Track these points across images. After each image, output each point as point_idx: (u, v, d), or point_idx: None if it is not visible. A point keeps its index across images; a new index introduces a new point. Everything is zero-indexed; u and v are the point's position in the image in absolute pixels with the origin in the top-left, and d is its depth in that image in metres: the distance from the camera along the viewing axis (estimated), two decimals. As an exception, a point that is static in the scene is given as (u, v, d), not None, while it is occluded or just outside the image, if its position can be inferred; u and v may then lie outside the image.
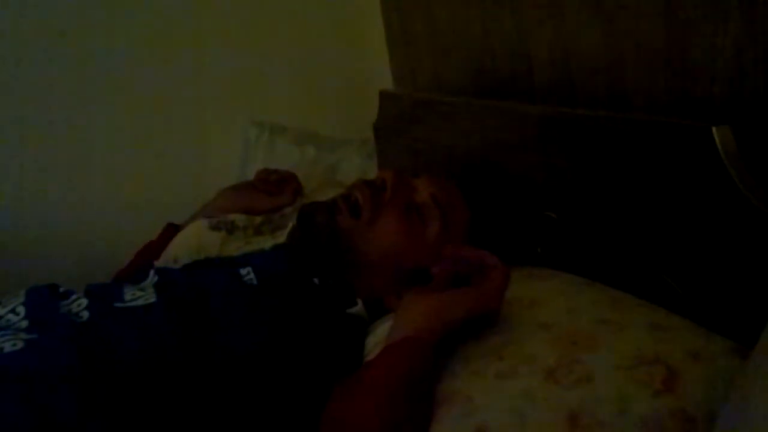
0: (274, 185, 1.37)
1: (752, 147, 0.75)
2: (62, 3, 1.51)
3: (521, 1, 1.11)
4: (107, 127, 1.59)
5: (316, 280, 0.94)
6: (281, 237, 1.22)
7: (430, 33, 1.41)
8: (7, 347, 0.75)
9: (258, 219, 1.31)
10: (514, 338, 0.78)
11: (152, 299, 0.87)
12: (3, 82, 1.49)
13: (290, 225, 1.12)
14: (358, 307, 0.94)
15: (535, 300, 0.86)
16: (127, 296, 0.87)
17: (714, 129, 0.74)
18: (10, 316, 0.83)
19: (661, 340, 0.73)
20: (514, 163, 1.05)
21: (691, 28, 0.83)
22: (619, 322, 0.78)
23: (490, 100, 1.18)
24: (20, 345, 0.76)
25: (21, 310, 0.84)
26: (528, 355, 0.74)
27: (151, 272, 0.96)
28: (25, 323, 0.81)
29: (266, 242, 1.22)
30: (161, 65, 1.61)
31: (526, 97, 1.15)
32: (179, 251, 1.20)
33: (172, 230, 1.30)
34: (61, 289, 0.89)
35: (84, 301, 0.86)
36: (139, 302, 0.86)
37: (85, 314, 0.84)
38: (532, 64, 1.13)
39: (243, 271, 0.94)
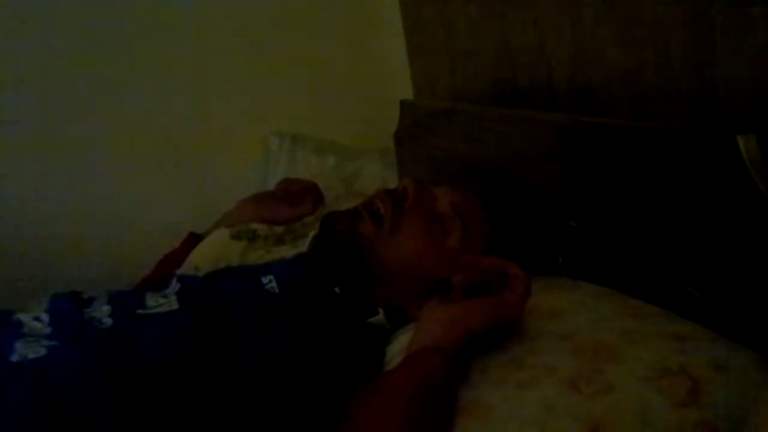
0: (296, 195, 1.37)
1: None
2: (63, 3, 1.51)
3: (540, 10, 1.11)
4: (124, 135, 1.59)
5: (337, 289, 0.94)
6: (302, 246, 1.22)
7: (450, 42, 1.41)
8: (31, 354, 0.75)
9: (279, 229, 1.31)
10: (535, 348, 0.78)
11: (174, 306, 0.87)
12: (3, 89, 1.50)
13: (311, 234, 1.12)
14: (379, 317, 0.94)
15: (556, 310, 0.85)
16: (150, 303, 0.88)
17: (739, 137, 0.73)
18: (34, 323, 0.83)
19: (685, 351, 0.72)
20: (534, 172, 1.04)
21: (713, 36, 0.82)
22: (641, 332, 0.77)
23: (510, 109, 1.17)
24: (43, 352, 0.76)
25: (44, 317, 0.84)
26: (549, 365, 0.74)
27: (174, 280, 0.96)
28: (48, 330, 0.82)
29: (287, 252, 1.22)
30: (190, 71, 1.62)
31: (545, 105, 1.15)
32: (201, 260, 1.20)
33: (193, 239, 1.30)
34: (85, 296, 0.90)
35: (107, 308, 0.86)
36: (162, 309, 0.86)
37: (108, 321, 0.84)
38: (551, 73, 1.13)
39: (264, 279, 0.94)
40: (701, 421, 0.65)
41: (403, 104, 1.45)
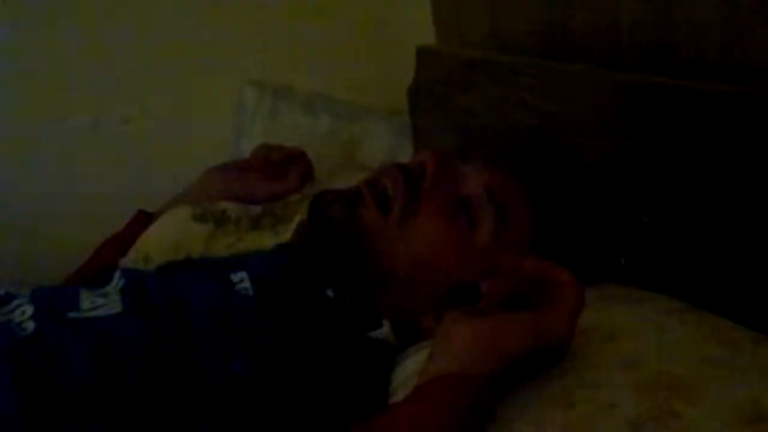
0: (277, 166, 1.37)
1: None
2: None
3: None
4: (46, 79, 1.60)
5: (329, 293, 0.94)
6: (285, 233, 1.22)
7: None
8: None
9: (255, 209, 1.32)
10: (589, 380, 0.77)
11: (117, 309, 0.87)
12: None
13: (297, 218, 1.12)
14: (384, 330, 0.93)
15: (617, 330, 0.85)
16: (85, 304, 0.88)
17: None
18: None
19: (785, 391, 0.72)
20: (592, 147, 1.04)
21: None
22: (728, 363, 0.77)
23: (563, 63, 1.17)
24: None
25: (-50, 318, 0.84)
26: (607, 402, 0.73)
27: (116, 274, 0.96)
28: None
29: (265, 240, 1.22)
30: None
31: (610, 60, 1.14)
32: (152, 248, 1.20)
33: (143, 219, 1.30)
34: (1, 292, 0.90)
35: (29, 309, 0.86)
36: (100, 312, 0.87)
37: (30, 325, 0.84)
38: (619, 19, 1.12)
39: (235, 277, 0.94)
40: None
41: (422, 52, 1.45)
